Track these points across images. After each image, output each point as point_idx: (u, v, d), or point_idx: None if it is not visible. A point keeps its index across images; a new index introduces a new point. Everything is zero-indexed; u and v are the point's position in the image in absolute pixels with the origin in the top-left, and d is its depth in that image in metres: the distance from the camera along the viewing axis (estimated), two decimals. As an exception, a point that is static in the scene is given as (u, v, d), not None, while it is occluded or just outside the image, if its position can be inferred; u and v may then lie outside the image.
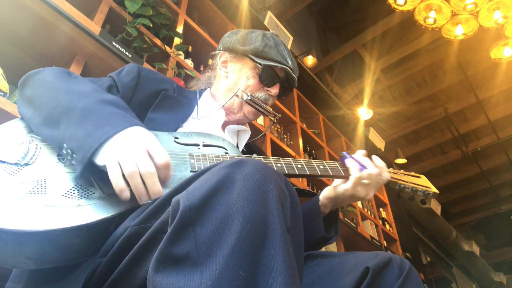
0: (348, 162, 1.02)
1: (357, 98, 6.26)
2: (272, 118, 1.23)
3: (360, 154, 1.06)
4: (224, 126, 1.15)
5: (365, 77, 6.09)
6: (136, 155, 0.68)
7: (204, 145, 0.96)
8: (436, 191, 1.19)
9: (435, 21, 3.61)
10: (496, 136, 6.76)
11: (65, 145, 0.69)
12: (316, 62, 4.90)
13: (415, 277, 0.81)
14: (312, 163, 1.01)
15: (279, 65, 1.12)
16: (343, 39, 6.30)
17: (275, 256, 0.47)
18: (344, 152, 1.06)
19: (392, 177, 1.14)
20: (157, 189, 0.68)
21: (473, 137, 7.27)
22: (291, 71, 1.14)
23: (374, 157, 1.06)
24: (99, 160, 0.68)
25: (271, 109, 1.18)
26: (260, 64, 1.12)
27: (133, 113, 0.83)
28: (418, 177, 1.25)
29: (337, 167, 1.04)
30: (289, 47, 3.74)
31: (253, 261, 0.46)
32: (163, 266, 0.48)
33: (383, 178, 1.02)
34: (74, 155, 0.68)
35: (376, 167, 1.01)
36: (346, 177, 1.02)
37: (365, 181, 0.99)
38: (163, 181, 0.71)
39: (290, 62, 1.15)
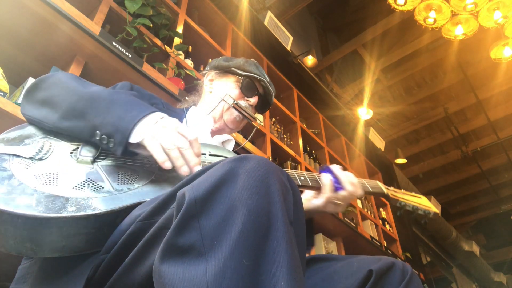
0: (324, 178, 1.02)
1: (357, 98, 6.26)
2: (256, 124, 1.33)
3: (337, 167, 1.07)
4: (211, 135, 1.24)
5: (365, 77, 6.09)
6: (169, 133, 0.76)
7: (211, 155, 1.01)
8: (437, 211, 1.22)
9: (435, 21, 3.61)
10: (496, 136, 6.76)
11: (98, 132, 0.75)
12: (316, 62, 4.89)
13: (417, 282, 0.82)
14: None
15: (257, 76, 1.27)
16: (343, 39, 6.30)
17: (278, 247, 0.48)
18: (324, 166, 1.07)
19: (393, 195, 1.18)
20: (196, 160, 0.77)
21: (473, 137, 7.27)
22: (268, 85, 1.29)
23: (348, 174, 1.05)
24: (134, 139, 0.75)
25: (254, 115, 1.28)
26: (241, 75, 1.26)
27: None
28: (419, 197, 1.28)
29: (316, 178, 1.04)
30: (289, 47, 3.75)
31: (256, 252, 0.47)
32: (169, 257, 0.49)
33: (356, 196, 1.05)
34: (110, 139, 0.75)
35: (352, 186, 1.02)
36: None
37: (338, 202, 1.02)
38: (197, 155, 0.79)
39: (267, 79, 1.30)
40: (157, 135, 0.75)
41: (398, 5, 3.56)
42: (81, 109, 0.78)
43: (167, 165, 0.75)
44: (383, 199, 4.27)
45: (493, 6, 3.44)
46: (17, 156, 0.71)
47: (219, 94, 1.26)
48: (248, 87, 1.27)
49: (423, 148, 7.57)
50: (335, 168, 1.05)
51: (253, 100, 1.26)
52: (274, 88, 1.36)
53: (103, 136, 0.75)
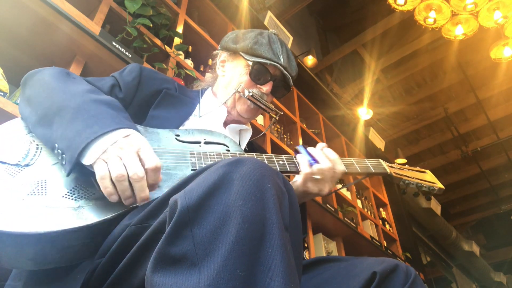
0: (299, 157, 0.96)
1: (357, 98, 6.26)
2: (274, 116, 1.22)
3: (319, 147, 1.00)
4: (225, 125, 1.16)
5: (365, 77, 6.09)
6: (125, 157, 0.67)
7: (206, 143, 0.95)
8: (442, 186, 1.18)
9: (435, 21, 3.61)
10: (496, 136, 6.76)
11: (56, 145, 0.69)
12: (316, 62, 4.89)
13: (420, 285, 0.81)
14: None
15: (268, 61, 1.10)
16: (343, 39, 6.30)
17: (273, 256, 0.47)
18: (298, 146, 1.00)
19: (396, 173, 1.14)
20: (145, 195, 0.68)
21: (473, 137, 7.27)
22: (283, 69, 1.12)
23: (325, 149, 1.00)
24: (86, 161, 0.66)
25: (272, 106, 1.16)
26: (249, 60, 1.11)
27: (127, 114, 0.81)
28: (424, 172, 1.24)
29: (294, 161, 0.98)
30: (289, 47, 3.74)
31: (251, 261, 0.46)
32: (161, 266, 0.48)
33: (337, 171, 0.97)
34: (63, 155, 0.67)
35: (329, 161, 0.96)
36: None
37: (317, 177, 0.93)
38: (151, 186, 0.70)
39: (282, 60, 1.13)
40: (109, 159, 0.66)
41: (398, 5, 3.56)
42: (50, 116, 0.73)
43: (112, 199, 0.67)
44: (383, 198, 4.27)
45: (493, 6, 3.44)
46: (3, 162, 0.67)
47: (231, 80, 1.16)
48: (259, 73, 1.12)
49: (423, 148, 7.57)
50: (311, 148, 0.99)
51: (266, 88, 1.12)
52: (296, 66, 1.20)
53: (59, 150, 0.68)
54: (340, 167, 0.99)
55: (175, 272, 0.47)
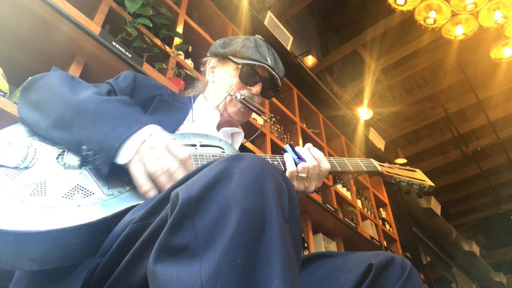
0: (286, 156, 1.00)
1: (357, 98, 6.27)
2: (265, 118, 1.25)
3: (306, 146, 1.05)
4: (218, 128, 1.18)
5: (365, 77, 6.09)
6: (158, 153, 0.73)
7: (201, 145, 0.97)
8: (432, 184, 1.22)
9: (435, 21, 3.61)
10: (496, 136, 6.76)
11: (84, 147, 0.73)
12: (316, 62, 4.90)
13: (416, 277, 0.82)
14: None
15: (256, 63, 1.16)
16: (343, 39, 6.30)
17: (273, 246, 0.48)
18: (286, 145, 1.03)
19: (387, 171, 1.17)
20: None
21: (473, 137, 7.27)
22: (270, 69, 1.17)
23: (312, 148, 1.04)
24: (120, 160, 0.72)
25: (263, 109, 1.19)
26: (238, 63, 1.16)
27: (140, 108, 0.87)
28: (414, 171, 1.29)
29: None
30: (289, 47, 3.74)
31: (251, 251, 0.47)
32: (163, 257, 0.49)
33: (322, 169, 1.01)
34: (96, 156, 0.72)
35: (314, 159, 1.00)
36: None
37: (302, 175, 0.97)
38: None
39: (269, 61, 1.18)
40: (144, 158, 0.72)
41: (398, 5, 3.56)
42: (68, 120, 0.76)
43: (150, 195, 0.72)
44: (383, 198, 4.27)
45: (493, 6, 3.44)
46: (2, 166, 0.68)
47: (221, 84, 1.20)
48: (248, 75, 1.16)
49: (423, 148, 7.57)
50: (298, 147, 1.04)
51: (256, 89, 1.17)
52: (283, 68, 1.25)
53: (90, 152, 0.72)
54: (325, 165, 1.03)
55: (176, 262, 0.48)
